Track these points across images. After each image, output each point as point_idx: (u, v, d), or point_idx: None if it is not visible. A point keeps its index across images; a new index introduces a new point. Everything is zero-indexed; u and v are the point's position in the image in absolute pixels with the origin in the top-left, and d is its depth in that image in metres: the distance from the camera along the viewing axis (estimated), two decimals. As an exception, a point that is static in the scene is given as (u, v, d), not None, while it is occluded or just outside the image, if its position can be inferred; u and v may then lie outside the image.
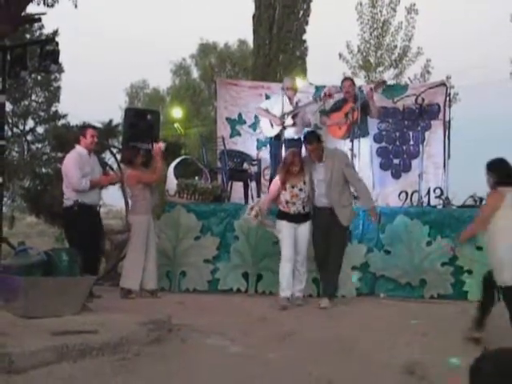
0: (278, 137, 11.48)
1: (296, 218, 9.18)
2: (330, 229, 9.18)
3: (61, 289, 7.51)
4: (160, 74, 63.96)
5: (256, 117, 13.09)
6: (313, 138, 9.36)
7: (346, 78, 12.94)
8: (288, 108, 11.45)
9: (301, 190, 9.12)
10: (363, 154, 11.46)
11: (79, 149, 9.76)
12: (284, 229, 9.17)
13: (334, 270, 9.30)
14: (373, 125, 12.44)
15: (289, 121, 11.42)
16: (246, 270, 10.53)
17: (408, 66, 28.84)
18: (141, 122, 11.30)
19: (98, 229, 10.05)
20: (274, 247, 9.99)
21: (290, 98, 11.56)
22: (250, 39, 29.28)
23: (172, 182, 11.43)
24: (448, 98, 12.91)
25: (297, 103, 11.71)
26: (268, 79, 21.56)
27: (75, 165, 9.49)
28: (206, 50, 42.75)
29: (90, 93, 57.59)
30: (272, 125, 11.52)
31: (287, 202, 9.16)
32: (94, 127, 10.36)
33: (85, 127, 10.27)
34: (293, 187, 9.09)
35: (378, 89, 11.94)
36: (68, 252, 8.23)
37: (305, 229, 9.25)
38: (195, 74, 43.65)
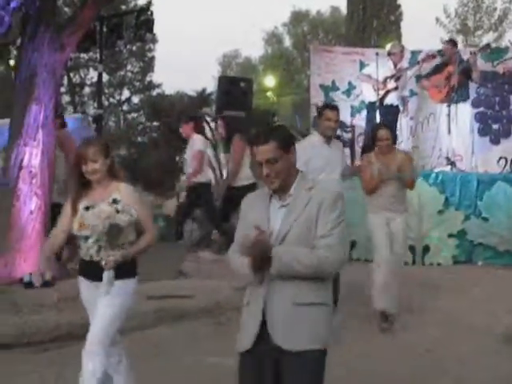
0: (375, 103, 11.31)
1: (92, 271, 4.55)
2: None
3: (157, 254, 7.65)
4: (252, 44, 64.01)
5: (350, 83, 12.97)
6: (265, 135, 3.63)
7: (448, 41, 12.63)
8: (391, 73, 11.26)
9: (95, 215, 4.52)
10: (463, 119, 11.16)
11: (313, 137, 7.43)
12: (81, 291, 4.74)
13: None
14: (471, 90, 12.08)
15: (391, 84, 11.22)
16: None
17: (509, 28, 27.98)
18: (234, 90, 11.36)
19: None
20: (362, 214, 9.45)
21: (394, 64, 11.36)
22: (342, 6, 29.01)
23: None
24: (551, 60, 12.42)
25: (399, 68, 11.52)
26: (361, 45, 21.25)
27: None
28: (298, 17, 42.60)
29: (183, 62, 58.19)
30: (375, 90, 11.33)
31: (76, 238, 4.66)
32: (333, 107, 7.40)
33: (326, 107, 7.55)
34: (87, 208, 4.57)
35: (481, 52, 11.60)
36: (164, 218, 8.37)
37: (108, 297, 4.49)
38: (287, 42, 43.58)
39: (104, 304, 4.44)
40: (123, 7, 26.03)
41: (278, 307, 3.45)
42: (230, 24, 68.10)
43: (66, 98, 29.45)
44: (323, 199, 3.50)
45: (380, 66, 11.21)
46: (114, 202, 4.53)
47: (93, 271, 4.49)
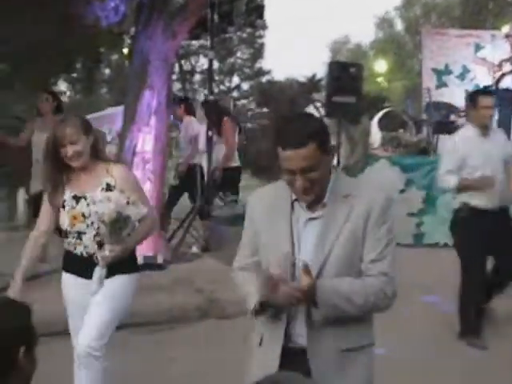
0: (490, 87, 11.00)
1: (85, 268, 3.88)
2: None
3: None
4: (362, 29, 63.53)
5: (464, 66, 12.67)
6: (301, 135, 2.59)
7: None
8: (508, 55, 10.92)
9: (94, 204, 3.79)
10: None
11: (466, 131, 6.31)
12: (66, 290, 4.08)
13: None
14: None
15: (508, 67, 10.88)
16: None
17: None
18: (344, 76, 11.22)
19: None
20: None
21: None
22: (457, -13, 28.25)
23: (376, 135, 11.31)
24: None
25: (516, 50, 11.18)
26: (476, 28, 20.69)
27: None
28: (410, 1, 41.87)
29: (293, 49, 58.25)
30: (490, 73, 11.01)
31: (67, 234, 3.94)
32: (487, 93, 6.54)
33: (479, 93, 6.47)
34: (77, 199, 3.90)
35: None
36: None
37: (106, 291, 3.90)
38: (399, 26, 42.92)
39: (104, 308, 3.84)
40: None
41: (319, 356, 2.66)
42: (341, 10, 67.75)
43: (176, 85, 30.01)
44: (370, 208, 2.66)
45: (496, 49, 10.90)
46: (108, 187, 3.82)
47: (85, 269, 3.83)
